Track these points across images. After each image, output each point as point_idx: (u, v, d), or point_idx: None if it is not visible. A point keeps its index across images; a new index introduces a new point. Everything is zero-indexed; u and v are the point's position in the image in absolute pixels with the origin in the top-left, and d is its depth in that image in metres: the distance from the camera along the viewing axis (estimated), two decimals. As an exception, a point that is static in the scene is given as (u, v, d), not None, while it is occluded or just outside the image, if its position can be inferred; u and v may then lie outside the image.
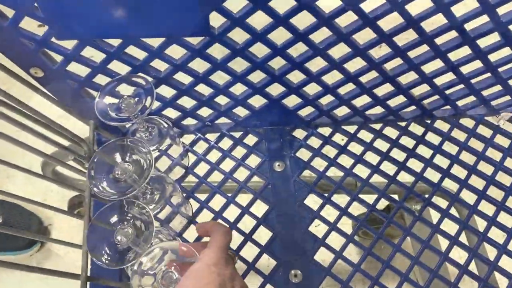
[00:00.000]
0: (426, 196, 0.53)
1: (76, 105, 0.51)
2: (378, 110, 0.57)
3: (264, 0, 0.41)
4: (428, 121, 0.58)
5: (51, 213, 0.97)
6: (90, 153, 0.48)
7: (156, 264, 0.40)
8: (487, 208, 0.53)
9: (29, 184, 0.98)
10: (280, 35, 0.46)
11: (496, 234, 0.51)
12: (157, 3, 0.41)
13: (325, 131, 0.58)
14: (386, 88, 0.53)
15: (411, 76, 0.51)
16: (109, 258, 0.38)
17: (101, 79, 0.49)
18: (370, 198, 0.54)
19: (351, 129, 0.58)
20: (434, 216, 0.54)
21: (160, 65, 0.49)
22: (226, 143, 0.59)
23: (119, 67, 0.49)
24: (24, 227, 0.86)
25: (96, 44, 0.45)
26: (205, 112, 0.57)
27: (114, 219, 0.41)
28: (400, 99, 0.55)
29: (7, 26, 0.41)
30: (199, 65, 0.50)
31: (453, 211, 0.54)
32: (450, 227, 0.52)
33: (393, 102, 0.56)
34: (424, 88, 0.53)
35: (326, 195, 0.53)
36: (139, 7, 0.41)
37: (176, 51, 0.48)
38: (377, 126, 0.58)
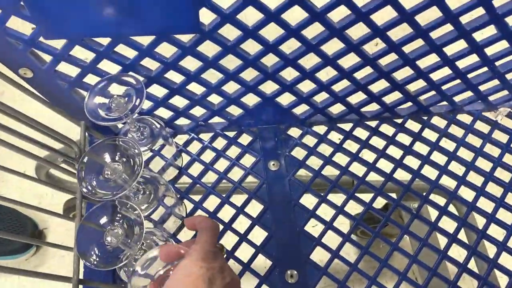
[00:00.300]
0: (424, 193, 0.52)
1: (67, 106, 0.50)
2: (373, 107, 0.56)
3: (254, -5, 0.40)
4: (425, 118, 0.57)
5: (47, 217, 0.97)
6: (81, 155, 0.47)
7: (156, 266, 0.39)
8: (486, 205, 0.52)
9: (24, 187, 0.97)
10: (272, 31, 0.45)
11: (496, 231, 0.50)
12: (146, 0, 0.40)
13: (320, 129, 0.58)
14: (382, 84, 0.52)
15: (406, 72, 0.51)
16: (97, 259, 0.37)
17: (92, 80, 0.48)
18: (367, 197, 0.53)
19: (347, 126, 0.57)
20: (433, 214, 0.53)
21: (151, 63, 0.49)
22: (220, 143, 0.58)
23: (110, 67, 0.48)
24: (19, 231, 0.85)
25: (85, 43, 0.45)
26: (198, 111, 0.57)
27: (104, 220, 0.41)
28: (396, 95, 0.54)
29: (-7, 26, 0.41)
30: (191, 63, 0.49)
31: (452, 208, 0.53)
32: (448, 224, 0.51)
33: (388, 99, 0.55)
34: (420, 83, 0.52)
35: (322, 194, 0.52)
36: (128, 5, 0.41)
37: (167, 50, 0.47)
38: (373, 124, 0.57)
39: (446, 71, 0.50)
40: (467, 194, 0.53)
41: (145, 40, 0.46)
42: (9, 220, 0.85)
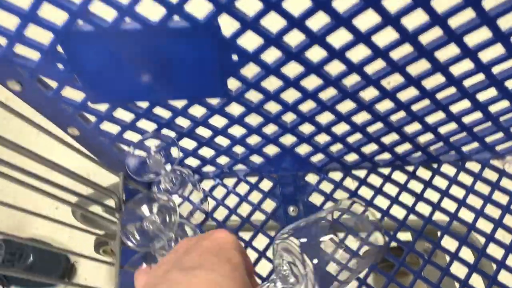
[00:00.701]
0: (439, 233, 0.56)
1: (107, 158, 0.56)
2: (386, 155, 0.60)
3: (276, 68, 0.45)
4: (435, 166, 0.61)
5: (78, 250, 1.02)
6: (119, 204, 0.53)
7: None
8: (496, 251, 0.55)
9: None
10: (291, 93, 0.51)
11: (507, 278, 0.53)
12: (181, 69, 0.46)
13: (336, 176, 0.62)
14: (393, 136, 0.56)
15: (416, 126, 0.55)
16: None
17: (131, 135, 0.54)
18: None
19: (361, 173, 0.61)
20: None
21: (182, 120, 0.54)
22: (242, 188, 0.63)
23: (146, 123, 0.54)
24: (53, 264, 0.90)
25: (126, 106, 0.51)
26: (223, 160, 0.62)
27: (142, 267, 0.45)
28: (407, 145, 0.58)
29: (51, 96, 0.47)
30: (218, 120, 0.54)
31: (467, 253, 0.55)
32: (462, 268, 0.53)
33: (400, 148, 0.59)
34: (429, 135, 0.57)
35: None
36: (164, 73, 0.47)
37: (197, 109, 0.52)
38: (386, 171, 0.61)
39: (453, 125, 0.54)
40: (478, 239, 0.56)
41: (179, 102, 0.51)
42: (44, 254, 0.91)
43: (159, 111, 0.52)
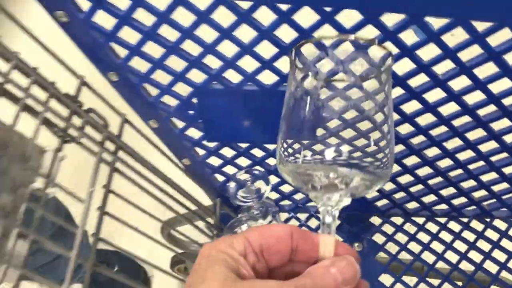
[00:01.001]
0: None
1: (208, 185, 0.69)
2: (443, 206, 0.69)
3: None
4: (488, 220, 0.68)
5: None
6: (217, 223, 0.65)
7: None
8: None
9: (139, 237, 1.18)
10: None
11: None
12: (279, 120, 0.59)
13: (397, 220, 0.71)
14: (450, 190, 0.65)
15: (472, 182, 0.63)
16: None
17: (228, 167, 0.67)
18: (435, 282, 0.64)
19: (420, 220, 0.70)
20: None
21: (271, 160, 0.67)
22: (313, 222, 0.73)
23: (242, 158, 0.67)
24: (134, 276, 1.04)
25: (231, 145, 0.64)
26: (298, 196, 0.73)
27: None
28: (463, 199, 0.66)
29: (178, 133, 0.62)
30: (300, 162, 0.66)
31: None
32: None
33: (456, 201, 0.67)
34: (483, 192, 0.65)
35: (397, 274, 0.64)
36: (266, 122, 0.60)
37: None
38: (443, 220, 0.69)
39: (505, 185, 0.62)
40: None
41: (271, 145, 0.64)
42: (127, 265, 1.05)
43: (254, 151, 0.65)
